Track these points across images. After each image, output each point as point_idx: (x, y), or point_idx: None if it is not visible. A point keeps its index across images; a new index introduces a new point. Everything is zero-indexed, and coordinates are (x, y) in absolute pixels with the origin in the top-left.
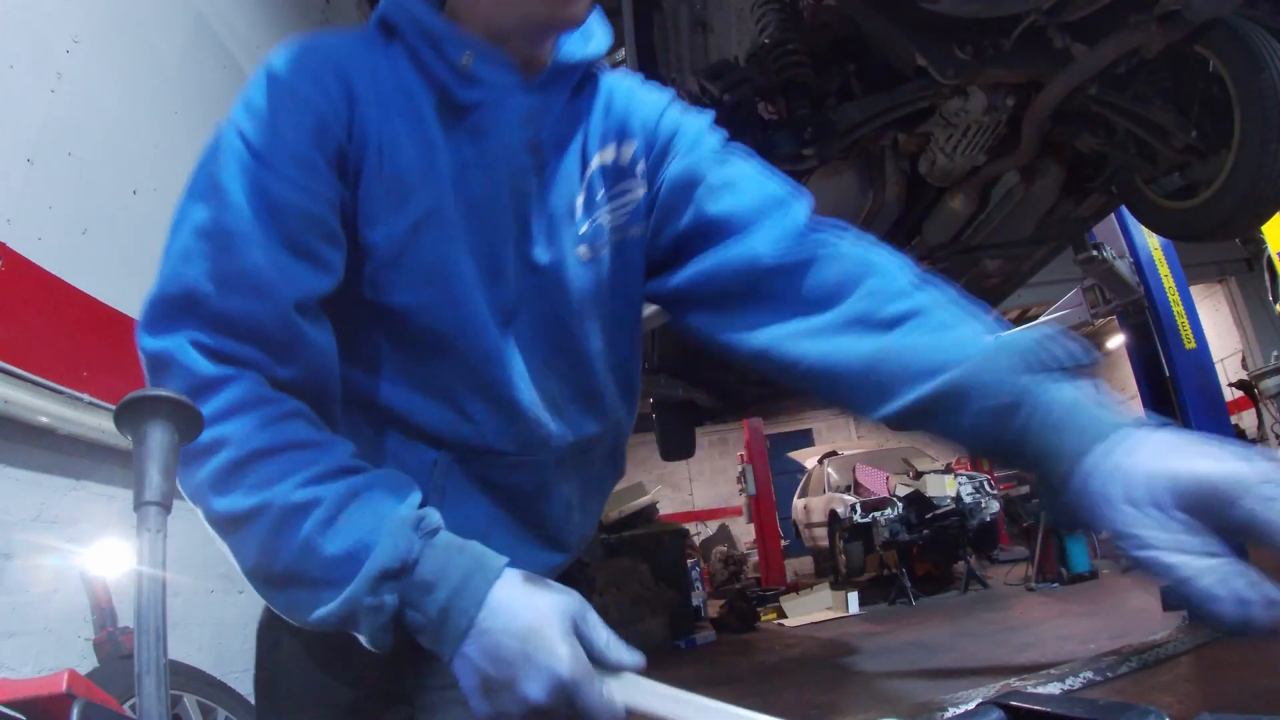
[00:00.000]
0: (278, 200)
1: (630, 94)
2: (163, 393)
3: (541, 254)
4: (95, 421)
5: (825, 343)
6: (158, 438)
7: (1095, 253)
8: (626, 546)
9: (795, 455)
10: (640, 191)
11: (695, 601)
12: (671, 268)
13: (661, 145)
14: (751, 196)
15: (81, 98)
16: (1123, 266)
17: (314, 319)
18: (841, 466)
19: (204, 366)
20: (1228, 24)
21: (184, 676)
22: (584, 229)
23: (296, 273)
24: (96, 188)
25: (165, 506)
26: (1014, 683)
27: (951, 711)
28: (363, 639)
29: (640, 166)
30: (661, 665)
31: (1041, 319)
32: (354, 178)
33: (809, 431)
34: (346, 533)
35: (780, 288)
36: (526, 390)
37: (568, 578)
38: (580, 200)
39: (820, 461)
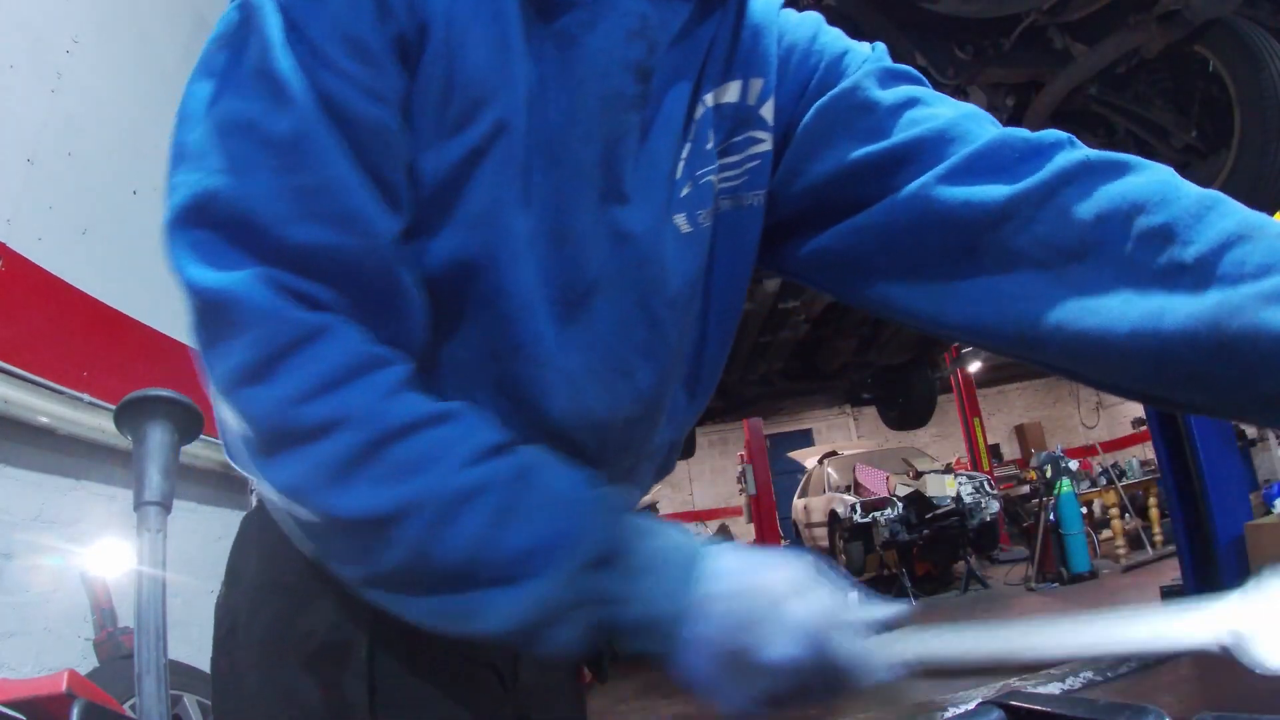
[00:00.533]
0: (342, 105)
1: (768, 12)
2: (163, 393)
3: (636, 219)
4: (95, 421)
5: (1119, 304)
6: (158, 438)
7: None
8: None
9: (795, 455)
10: (766, 145)
11: None
12: (816, 225)
13: (804, 80)
14: (948, 116)
15: (81, 98)
16: None
17: (407, 266)
18: (841, 466)
19: (296, 313)
20: (1227, 24)
21: (184, 676)
22: (685, 190)
23: (382, 205)
24: (96, 188)
25: (165, 506)
26: (1014, 682)
27: (952, 711)
28: (543, 645)
29: (769, 110)
30: (662, 665)
31: None
32: (409, 78)
33: (809, 431)
34: (532, 521)
35: (1021, 239)
36: (568, 402)
37: None
38: (685, 151)
39: (820, 461)
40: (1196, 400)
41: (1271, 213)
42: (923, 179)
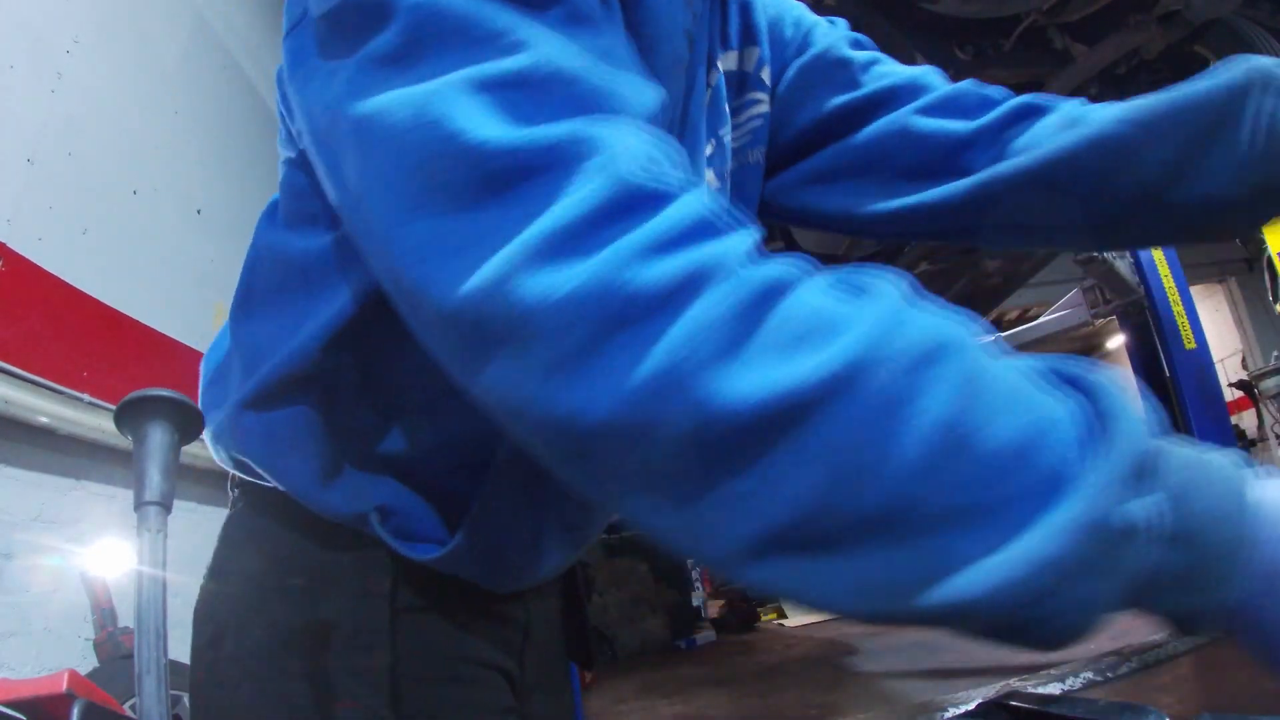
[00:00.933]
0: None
1: None
2: (163, 393)
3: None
4: (95, 421)
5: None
6: (158, 437)
7: (1095, 253)
8: (626, 546)
9: None
10: (765, 106)
11: (695, 601)
12: (804, 156)
13: (785, 45)
14: (912, 71)
15: (82, 98)
16: (1123, 267)
17: None
18: None
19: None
20: (1228, 25)
21: (184, 677)
22: (709, 149)
23: None
24: (97, 188)
25: (166, 506)
26: (1014, 683)
27: (952, 711)
28: (1056, 611)
29: (766, 74)
30: (662, 664)
31: (1041, 319)
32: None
33: None
34: (1029, 409)
35: (977, 162)
36: None
37: (569, 576)
38: (706, 112)
39: None
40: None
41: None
42: (901, 110)
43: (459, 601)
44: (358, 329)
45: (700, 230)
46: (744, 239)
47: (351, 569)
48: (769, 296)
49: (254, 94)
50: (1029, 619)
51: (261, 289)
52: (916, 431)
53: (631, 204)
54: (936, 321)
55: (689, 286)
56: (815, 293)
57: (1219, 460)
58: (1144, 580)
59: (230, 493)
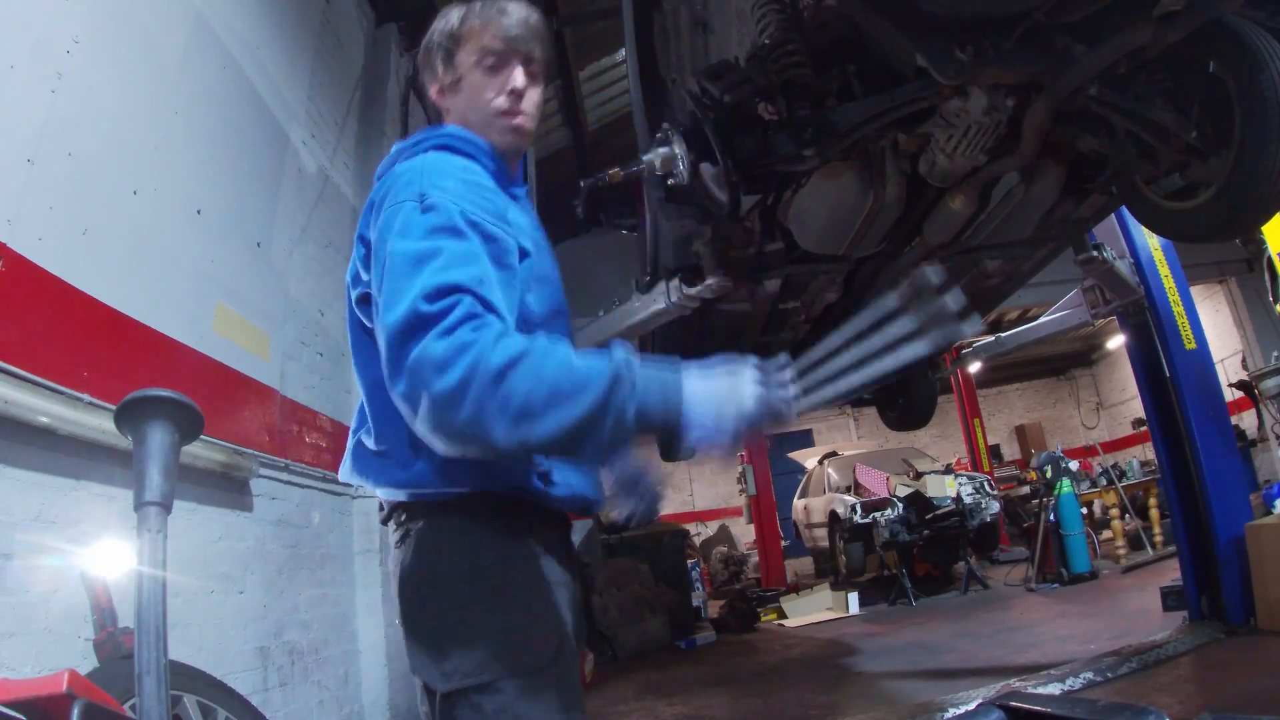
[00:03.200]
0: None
1: None
2: (163, 393)
3: None
4: (95, 422)
5: None
6: (158, 438)
7: (1095, 253)
8: (626, 547)
9: (795, 455)
10: None
11: (695, 602)
12: None
13: None
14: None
15: (82, 98)
16: (1123, 267)
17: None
18: (842, 467)
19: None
20: (1228, 25)
21: (184, 677)
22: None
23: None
24: (97, 188)
25: (165, 507)
26: (1014, 683)
27: (952, 712)
28: (610, 427)
29: None
30: (662, 665)
31: (1042, 319)
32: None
33: (809, 432)
34: (586, 358)
35: None
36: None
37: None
38: None
39: (820, 462)
40: None
41: (1269, 214)
42: None
43: (558, 556)
44: None
45: (485, 325)
46: (501, 324)
47: (506, 531)
48: (505, 333)
49: (254, 94)
50: (608, 420)
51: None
52: (553, 362)
53: (470, 317)
54: (556, 341)
55: (481, 335)
56: (516, 335)
57: (669, 366)
58: (643, 412)
59: (397, 518)
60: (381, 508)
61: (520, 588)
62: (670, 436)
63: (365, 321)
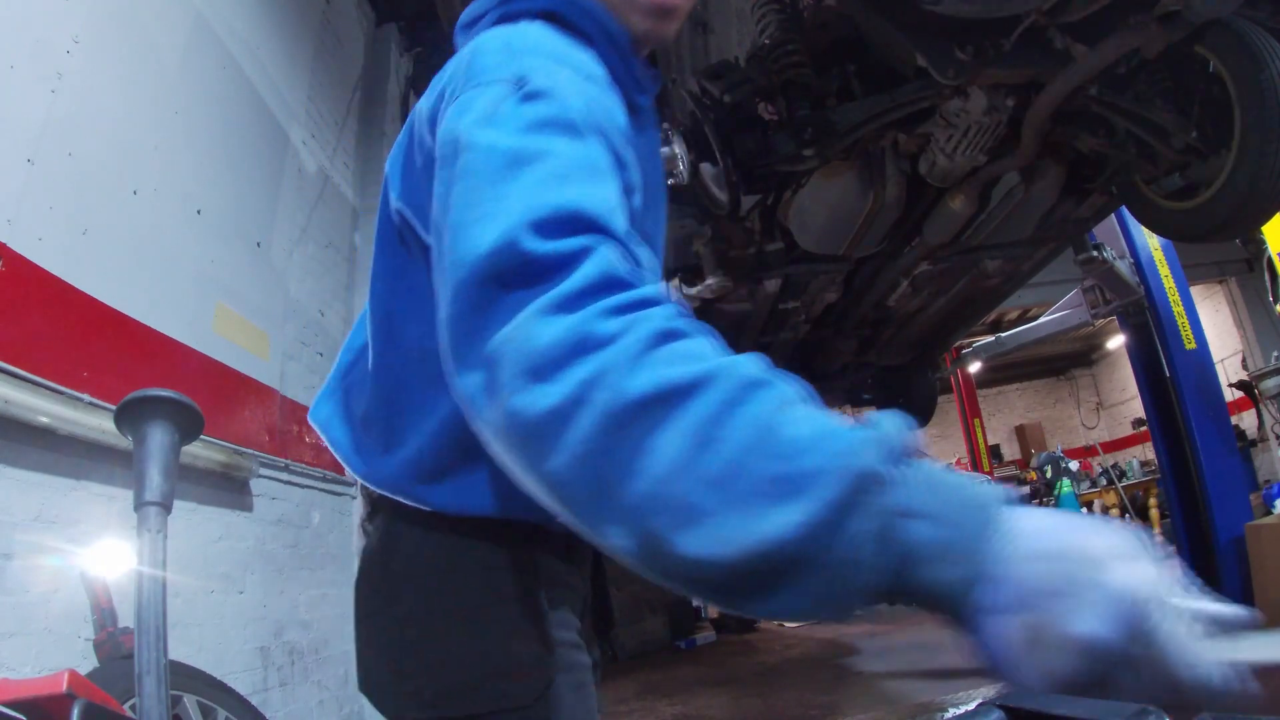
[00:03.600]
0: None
1: None
2: (163, 393)
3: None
4: (95, 422)
5: None
6: (158, 438)
7: (1095, 253)
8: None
9: None
10: None
11: (695, 602)
12: None
13: None
14: None
15: (82, 98)
16: (1123, 267)
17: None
18: None
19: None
20: (1228, 24)
21: (184, 677)
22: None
23: None
24: (97, 188)
25: (165, 507)
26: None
27: (952, 711)
28: (831, 563)
29: None
30: (662, 665)
31: (1042, 319)
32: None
33: None
34: (811, 421)
35: None
36: None
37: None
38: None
39: None
40: None
41: (1269, 214)
42: None
43: (562, 556)
44: None
45: (640, 302)
46: (667, 309)
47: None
48: (672, 336)
49: (254, 94)
50: (820, 556)
51: (419, 386)
52: (744, 419)
53: (609, 284)
54: (768, 371)
55: (624, 330)
56: (698, 341)
57: (978, 486)
58: (899, 547)
59: (377, 520)
60: (366, 495)
61: (509, 601)
62: (947, 609)
63: (409, 225)
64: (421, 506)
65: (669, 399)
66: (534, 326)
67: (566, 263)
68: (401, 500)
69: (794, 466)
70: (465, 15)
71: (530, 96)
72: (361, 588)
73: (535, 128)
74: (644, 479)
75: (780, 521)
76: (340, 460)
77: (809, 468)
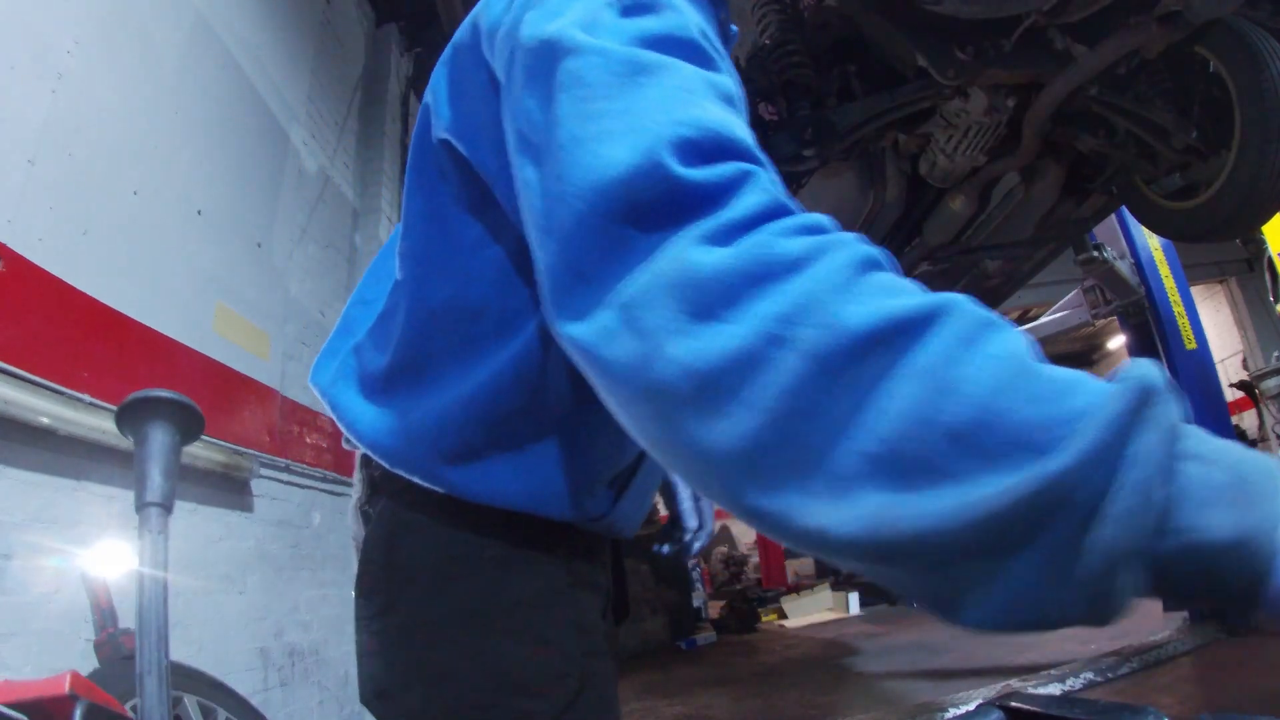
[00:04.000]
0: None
1: None
2: (164, 394)
3: None
4: (96, 422)
5: None
6: (159, 439)
7: (1096, 253)
8: (627, 547)
9: None
10: None
11: (696, 602)
12: None
13: None
14: None
15: (82, 99)
16: (1123, 267)
17: None
18: None
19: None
20: (1228, 25)
21: (184, 677)
22: None
23: None
24: (97, 188)
25: (167, 508)
26: (1014, 683)
27: (952, 712)
28: (1087, 552)
29: None
30: (662, 665)
31: (1042, 319)
32: None
33: None
34: (1053, 366)
35: None
36: None
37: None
38: None
39: None
40: None
41: (1269, 214)
42: None
43: (584, 554)
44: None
45: (820, 226)
46: (853, 237)
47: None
48: (874, 264)
49: (254, 94)
50: (1077, 543)
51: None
52: (989, 359)
53: (777, 210)
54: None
55: (817, 253)
56: (899, 276)
57: (1255, 454)
58: (1185, 490)
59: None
60: (367, 474)
61: (536, 606)
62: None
63: (459, 159)
64: (436, 488)
65: (896, 337)
66: (692, 254)
67: (724, 190)
68: (415, 480)
69: (1057, 409)
70: None
71: (638, 8)
72: (361, 584)
73: (652, 41)
74: (871, 438)
75: (1042, 468)
76: (344, 428)
77: (1078, 407)
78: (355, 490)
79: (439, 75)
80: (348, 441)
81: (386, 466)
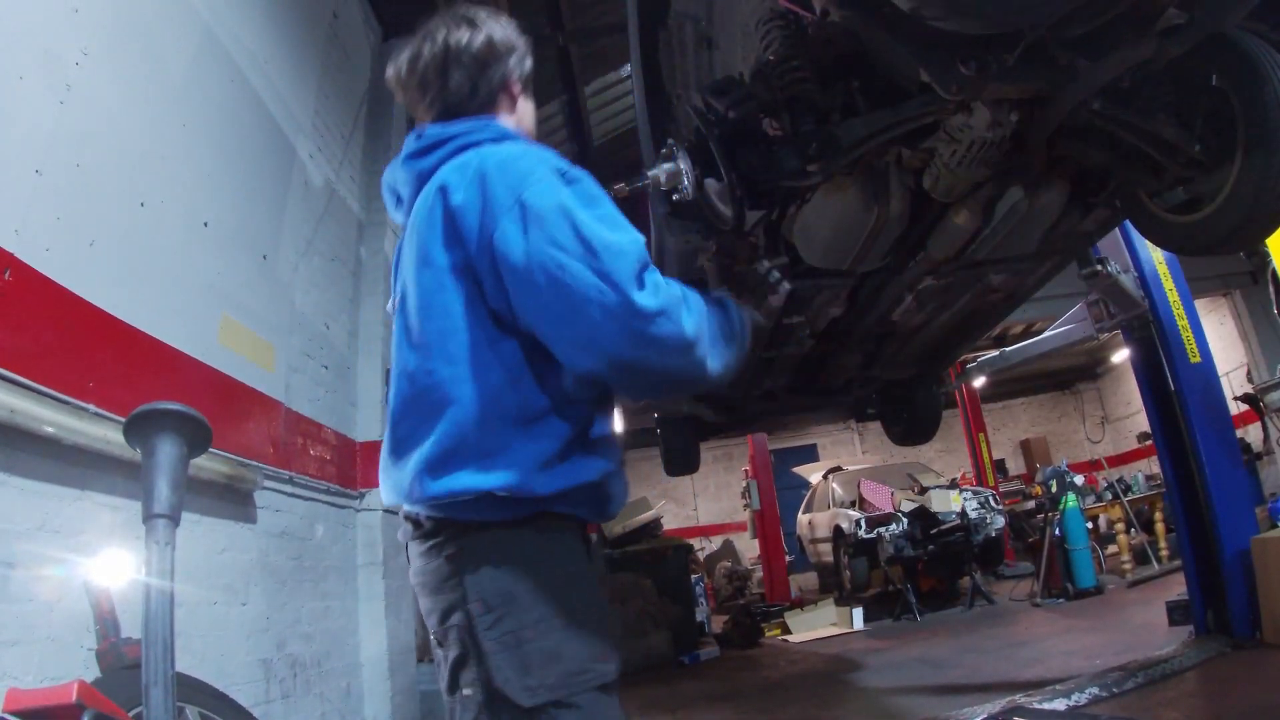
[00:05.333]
0: None
1: None
2: (172, 406)
3: None
4: (100, 432)
5: None
6: (166, 451)
7: (1100, 267)
8: (630, 561)
9: (800, 470)
10: None
11: (699, 617)
12: None
13: None
14: None
15: (90, 110)
16: (1127, 281)
17: None
18: (846, 482)
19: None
20: (1231, 38)
21: (187, 688)
22: None
23: None
24: (104, 199)
25: (174, 519)
26: (1020, 698)
27: None
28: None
29: None
30: (665, 680)
31: (1046, 333)
32: None
33: (813, 447)
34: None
35: None
36: None
37: None
38: None
39: (825, 477)
40: None
41: (1273, 227)
42: None
43: (587, 542)
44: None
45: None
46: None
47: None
48: (692, 290)
49: (261, 107)
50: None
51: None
52: (730, 309)
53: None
54: (712, 299)
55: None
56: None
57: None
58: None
59: (448, 532)
60: (419, 523)
61: (591, 607)
62: None
63: (506, 316)
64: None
65: (715, 305)
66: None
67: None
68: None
69: (739, 322)
70: (415, 147)
71: (574, 180)
72: (475, 608)
73: (596, 201)
74: (715, 333)
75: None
76: (427, 507)
77: (742, 318)
78: (406, 538)
79: (444, 266)
80: None
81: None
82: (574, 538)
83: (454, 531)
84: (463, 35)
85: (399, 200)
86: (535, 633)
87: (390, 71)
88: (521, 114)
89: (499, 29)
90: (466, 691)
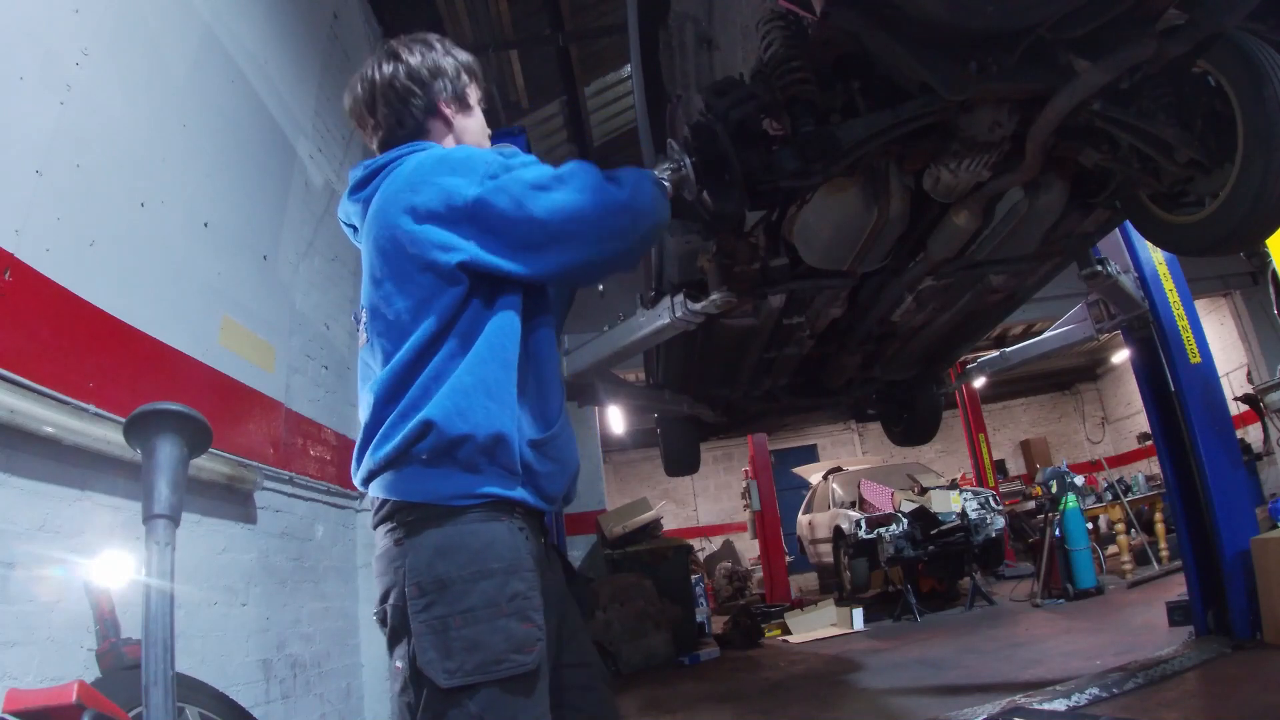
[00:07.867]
0: None
1: None
2: (173, 407)
3: None
4: (100, 432)
5: None
6: (167, 451)
7: (1100, 268)
8: (630, 562)
9: (800, 471)
10: None
11: (699, 617)
12: None
13: None
14: None
15: (90, 110)
16: (1127, 281)
17: None
18: (846, 482)
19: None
20: (1231, 38)
21: (186, 689)
22: None
23: None
24: (104, 200)
25: (174, 520)
26: (1020, 699)
27: None
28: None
29: None
30: (665, 681)
31: (1046, 334)
32: None
33: (813, 447)
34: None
35: None
36: None
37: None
38: None
39: (825, 477)
40: None
41: (1273, 227)
42: None
43: (538, 534)
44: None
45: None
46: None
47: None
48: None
49: (262, 108)
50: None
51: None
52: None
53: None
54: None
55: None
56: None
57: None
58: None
59: (401, 518)
60: (380, 507)
61: (525, 598)
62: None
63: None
64: (461, 496)
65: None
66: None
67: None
68: (449, 497)
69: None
70: (359, 178)
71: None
72: (409, 591)
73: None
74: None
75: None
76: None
77: (654, 195)
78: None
79: (394, 256)
80: None
81: (423, 500)
82: (522, 526)
83: (402, 515)
84: (385, 70)
85: (354, 230)
86: (461, 621)
87: (345, 105)
88: (462, 131)
89: (418, 57)
90: (397, 664)
